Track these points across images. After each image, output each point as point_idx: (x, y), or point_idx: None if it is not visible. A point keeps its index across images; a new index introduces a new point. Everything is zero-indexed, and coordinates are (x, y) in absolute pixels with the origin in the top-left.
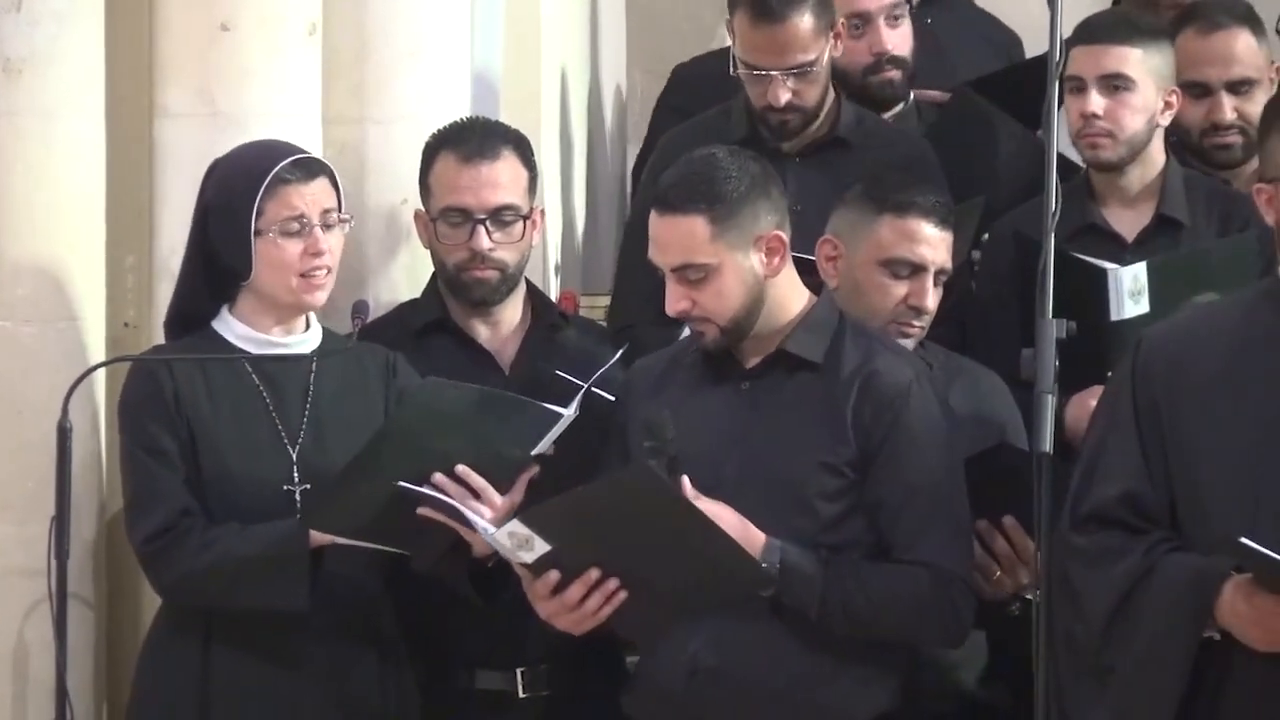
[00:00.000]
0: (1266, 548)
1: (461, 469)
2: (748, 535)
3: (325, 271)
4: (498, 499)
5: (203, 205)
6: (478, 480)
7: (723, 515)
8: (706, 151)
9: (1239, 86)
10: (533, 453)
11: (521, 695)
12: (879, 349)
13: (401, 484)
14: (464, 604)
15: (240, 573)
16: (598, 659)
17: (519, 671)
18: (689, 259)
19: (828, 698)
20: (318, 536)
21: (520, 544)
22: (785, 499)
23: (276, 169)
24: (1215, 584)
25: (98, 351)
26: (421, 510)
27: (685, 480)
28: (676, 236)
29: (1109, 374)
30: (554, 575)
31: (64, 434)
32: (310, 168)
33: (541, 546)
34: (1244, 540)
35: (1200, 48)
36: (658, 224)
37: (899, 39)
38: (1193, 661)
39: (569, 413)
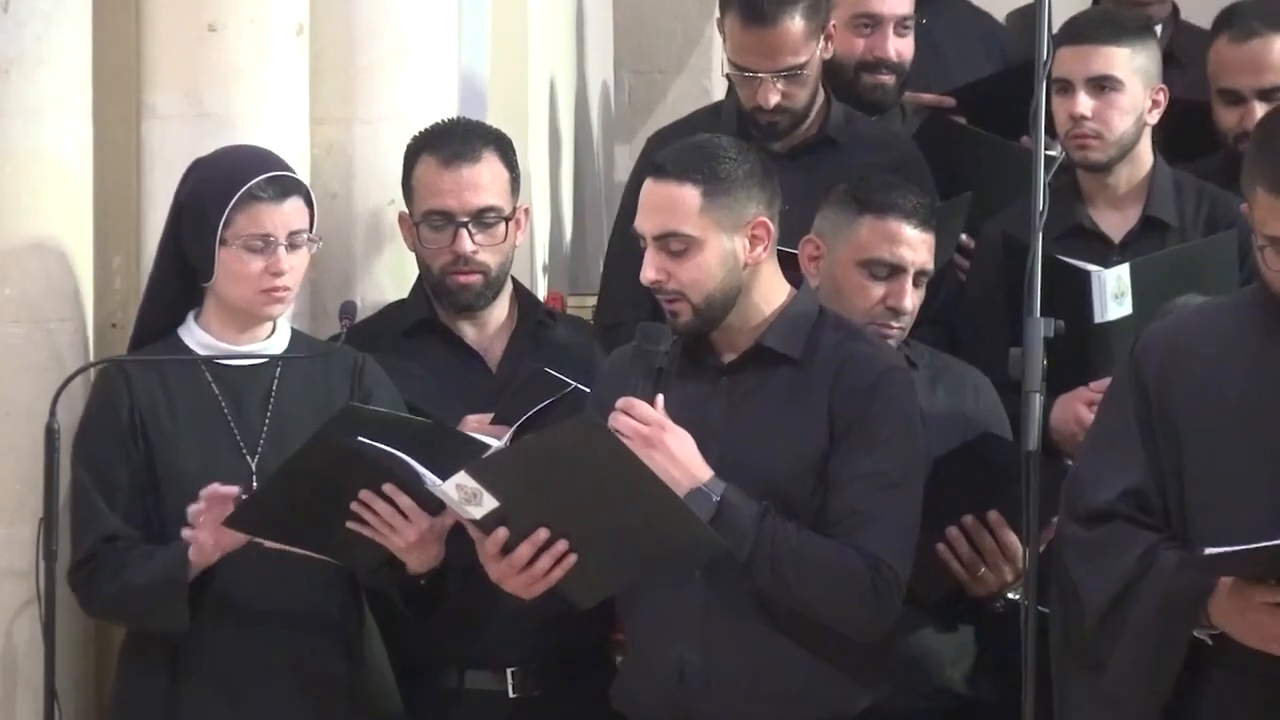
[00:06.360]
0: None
1: (389, 488)
2: (697, 467)
3: (284, 289)
4: (424, 521)
5: (178, 202)
6: (405, 500)
7: (681, 440)
8: (711, 135)
9: (1272, 94)
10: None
11: (511, 695)
12: (858, 338)
13: (361, 440)
14: (453, 605)
15: (133, 600)
16: (588, 659)
17: (509, 671)
18: (674, 227)
19: (816, 694)
20: (211, 552)
21: (468, 498)
22: (764, 494)
23: (249, 185)
24: (1210, 583)
25: (85, 352)
26: (351, 525)
27: (660, 399)
28: (666, 203)
29: (1093, 376)
30: (502, 533)
31: (51, 435)
32: (284, 186)
33: (490, 502)
34: (1210, 552)
35: (1233, 55)
36: (650, 189)
37: (903, 48)
38: (1183, 659)
39: (498, 445)
